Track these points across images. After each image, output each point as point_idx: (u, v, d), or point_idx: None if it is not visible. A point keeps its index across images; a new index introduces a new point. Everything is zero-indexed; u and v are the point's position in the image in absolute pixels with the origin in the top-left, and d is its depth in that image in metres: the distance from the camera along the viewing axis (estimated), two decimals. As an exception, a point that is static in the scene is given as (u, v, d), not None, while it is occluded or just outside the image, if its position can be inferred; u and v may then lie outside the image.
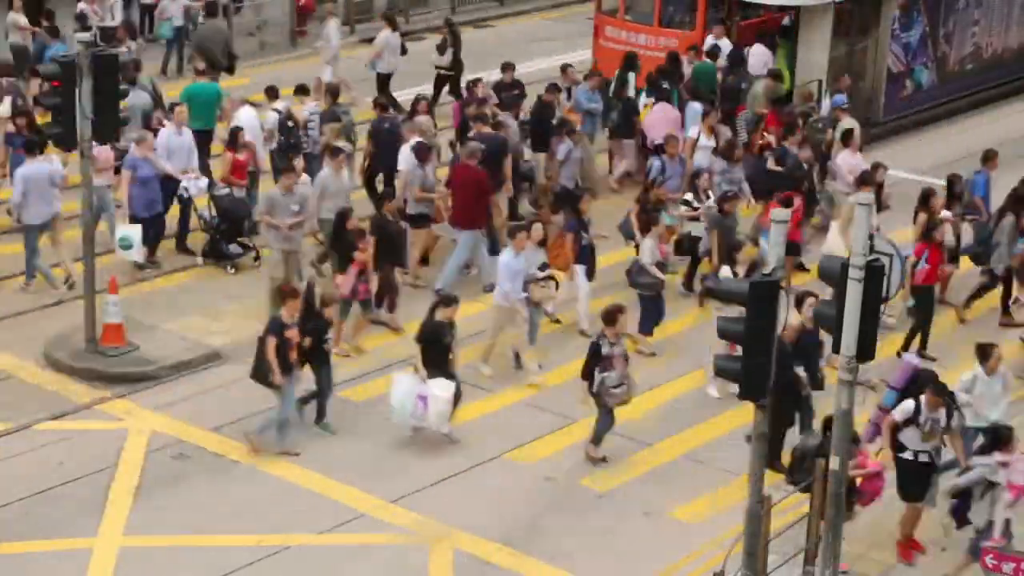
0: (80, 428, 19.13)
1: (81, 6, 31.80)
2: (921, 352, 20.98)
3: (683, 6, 30.90)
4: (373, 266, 21.00)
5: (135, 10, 35.03)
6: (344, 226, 20.88)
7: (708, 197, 23.21)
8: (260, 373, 18.29)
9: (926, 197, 22.47)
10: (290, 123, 24.89)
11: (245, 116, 24.79)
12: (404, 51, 31.31)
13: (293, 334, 18.11)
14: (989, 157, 24.40)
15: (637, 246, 21.93)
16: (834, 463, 14.96)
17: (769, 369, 14.14)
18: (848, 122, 26.22)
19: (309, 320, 18.45)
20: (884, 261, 14.38)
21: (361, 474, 18.21)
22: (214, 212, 23.62)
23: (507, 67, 28.12)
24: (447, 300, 19.13)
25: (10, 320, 21.77)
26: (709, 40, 29.46)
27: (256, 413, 19.47)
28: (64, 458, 18.37)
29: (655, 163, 24.67)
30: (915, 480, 16.75)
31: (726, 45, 29.48)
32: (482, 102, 25.69)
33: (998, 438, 16.04)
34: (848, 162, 25.09)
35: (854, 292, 14.17)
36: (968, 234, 23.31)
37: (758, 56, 29.53)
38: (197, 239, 23.99)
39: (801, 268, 23.42)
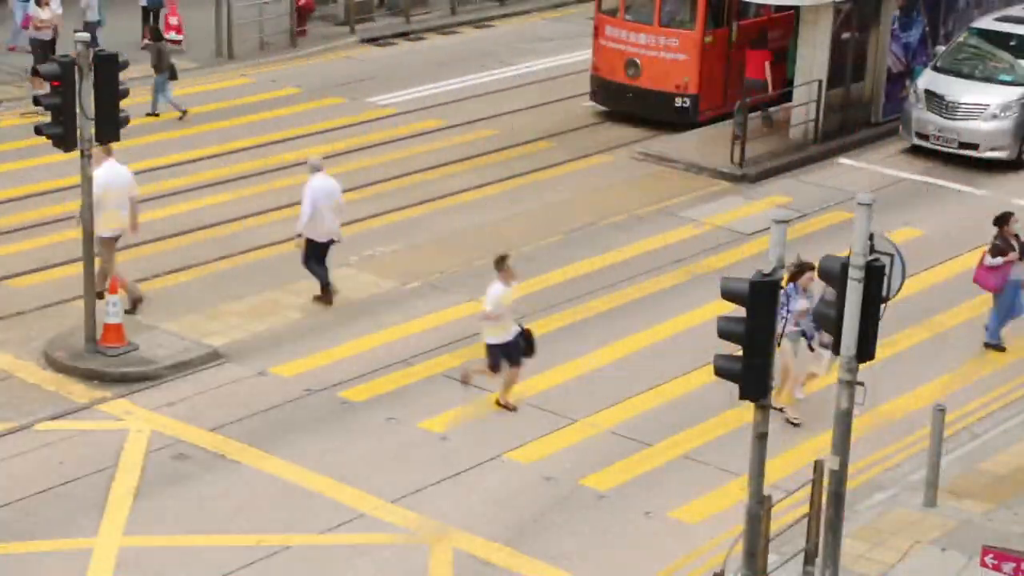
0: (80, 428, 19.13)
1: None
2: None
3: (684, 6, 30.92)
4: None
5: None
6: None
7: None
8: None
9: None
10: None
11: None
12: None
13: None
14: None
15: None
16: (833, 463, 14.97)
17: (770, 369, 14.15)
18: None
19: None
20: (884, 261, 14.40)
21: (361, 474, 18.21)
22: None
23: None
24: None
25: (10, 320, 21.78)
26: None
27: (256, 413, 19.52)
28: (64, 458, 18.37)
29: None
30: None
31: None
32: None
33: None
34: None
35: (854, 292, 14.18)
36: None
37: None
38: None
39: None
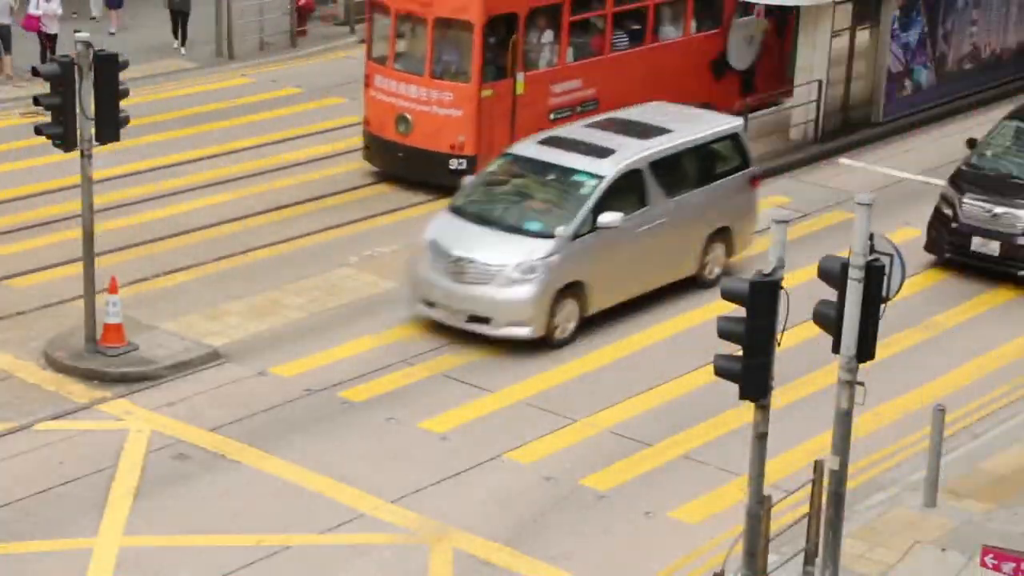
0: (80, 428, 19.12)
1: None
2: None
3: (459, 55, 26.73)
4: None
5: None
6: None
7: None
8: None
9: None
10: None
11: None
12: None
13: None
14: None
15: None
16: (833, 463, 14.96)
17: (770, 369, 14.15)
18: None
19: None
20: (884, 261, 14.41)
21: (361, 474, 18.21)
22: None
23: None
24: None
25: (10, 320, 21.78)
26: None
27: (256, 413, 19.52)
28: (64, 458, 18.37)
29: None
30: None
31: None
32: None
33: None
34: None
35: (854, 292, 14.19)
36: None
37: None
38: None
39: None
